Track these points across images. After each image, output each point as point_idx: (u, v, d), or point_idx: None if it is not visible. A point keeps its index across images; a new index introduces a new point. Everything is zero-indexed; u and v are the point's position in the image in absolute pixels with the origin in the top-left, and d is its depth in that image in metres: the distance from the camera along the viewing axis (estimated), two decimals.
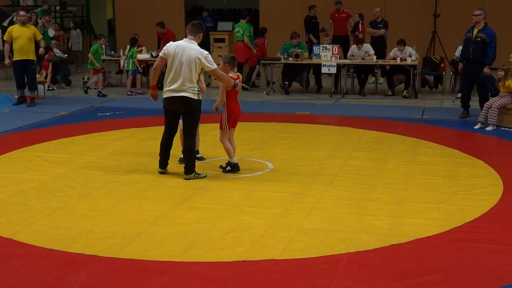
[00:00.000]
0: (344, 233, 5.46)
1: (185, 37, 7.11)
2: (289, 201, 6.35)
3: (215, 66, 6.95)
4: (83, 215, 6.00)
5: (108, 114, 11.21)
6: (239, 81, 7.27)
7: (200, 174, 7.17)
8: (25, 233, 5.52)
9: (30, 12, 15.18)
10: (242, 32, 14.05)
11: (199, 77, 7.04)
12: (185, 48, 6.92)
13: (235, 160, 7.34)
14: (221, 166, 7.45)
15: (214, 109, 7.43)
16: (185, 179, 7.09)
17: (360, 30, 14.81)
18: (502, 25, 13.24)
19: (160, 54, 7.14)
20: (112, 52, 15.28)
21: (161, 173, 7.28)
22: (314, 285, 4.49)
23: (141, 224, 5.72)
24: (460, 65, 10.69)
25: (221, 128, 7.32)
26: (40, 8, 16.80)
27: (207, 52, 7.00)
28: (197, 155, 7.71)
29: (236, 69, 7.42)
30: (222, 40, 14.29)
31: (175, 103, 7.00)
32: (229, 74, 7.17)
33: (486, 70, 10.04)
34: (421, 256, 4.98)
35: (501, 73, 9.78)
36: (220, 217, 5.89)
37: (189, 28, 7.09)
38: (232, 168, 7.32)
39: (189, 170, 7.13)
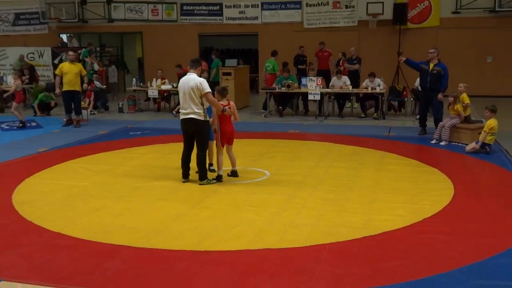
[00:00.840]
0: (327, 227, 5.45)
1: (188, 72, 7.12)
2: (283, 201, 6.33)
3: (208, 90, 6.89)
4: (118, 213, 5.99)
5: (138, 133, 11.21)
6: (229, 107, 7.21)
7: (212, 181, 7.16)
8: (71, 228, 5.52)
9: (77, 52, 15.24)
10: (272, 66, 14.57)
11: (202, 100, 6.94)
12: (186, 81, 6.99)
13: (221, 172, 7.28)
14: (228, 174, 7.45)
15: (213, 130, 7.42)
16: (200, 184, 7.08)
17: (341, 65, 14.91)
18: (451, 61, 13.24)
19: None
20: (141, 84, 15.32)
21: (184, 182, 7.23)
22: (304, 268, 4.48)
23: (165, 220, 5.72)
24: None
25: (216, 145, 7.35)
26: (85, 48, 16.88)
27: (202, 79, 6.98)
28: (211, 167, 7.69)
29: (227, 98, 7.40)
30: (229, 74, 14.35)
31: (187, 124, 7.03)
32: (220, 102, 7.17)
33: (440, 96, 10.07)
34: (389, 245, 4.97)
35: (451, 99, 9.79)
36: (228, 215, 5.89)
37: (190, 64, 7.12)
38: (217, 178, 7.24)
39: (202, 177, 7.11)
